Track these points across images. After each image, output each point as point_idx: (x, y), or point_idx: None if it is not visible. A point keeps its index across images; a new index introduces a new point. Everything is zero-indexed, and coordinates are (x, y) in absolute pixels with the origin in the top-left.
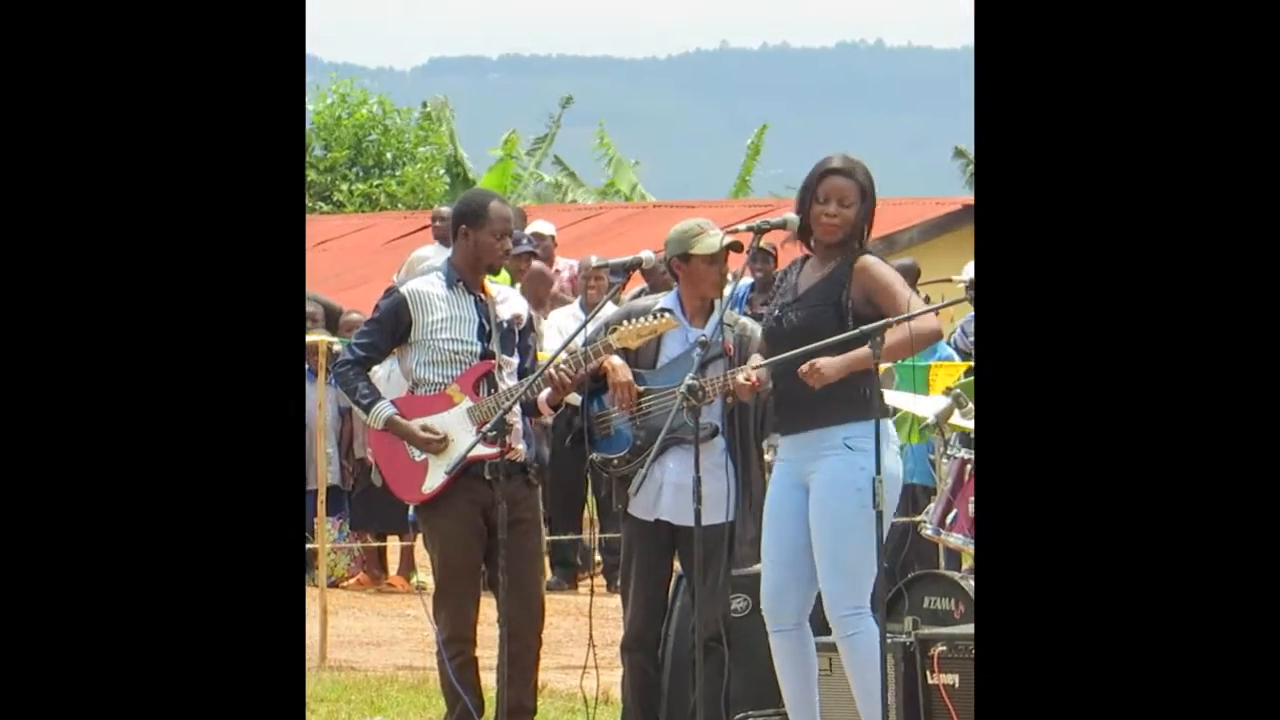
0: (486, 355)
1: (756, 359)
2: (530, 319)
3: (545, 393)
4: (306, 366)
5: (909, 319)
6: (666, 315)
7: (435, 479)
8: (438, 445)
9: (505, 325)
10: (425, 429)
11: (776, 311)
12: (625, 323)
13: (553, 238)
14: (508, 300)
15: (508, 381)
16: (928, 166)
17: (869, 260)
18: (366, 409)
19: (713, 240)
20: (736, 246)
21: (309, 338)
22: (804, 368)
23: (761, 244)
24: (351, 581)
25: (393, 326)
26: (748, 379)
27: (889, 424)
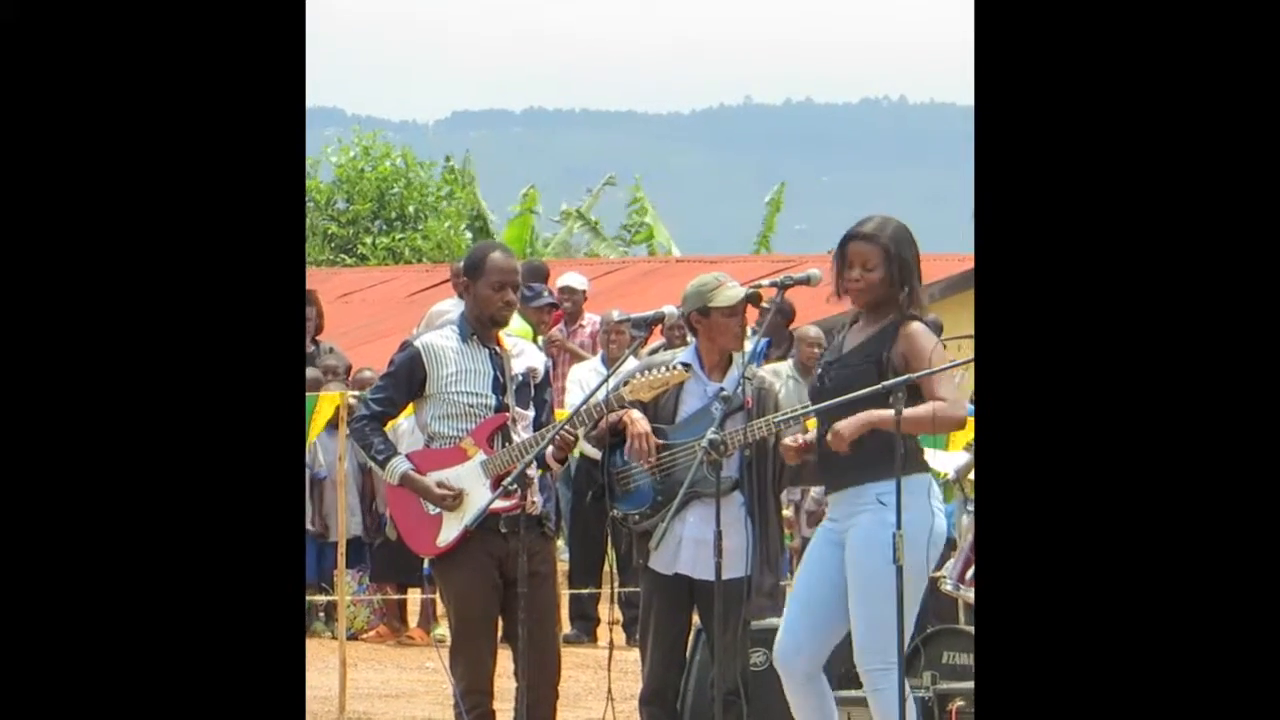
0: (500, 408)
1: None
2: (547, 372)
3: (550, 449)
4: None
5: (930, 373)
6: (679, 368)
7: (450, 532)
8: (452, 502)
9: (520, 378)
10: (440, 485)
11: (819, 370)
12: (638, 376)
13: (583, 292)
14: (524, 353)
15: (522, 434)
16: (949, 222)
17: (916, 328)
18: (382, 464)
19: (732, 292)
20: (755, 298)
21: (328, 391)
22: (829, 435)
23: None
24: (371, 634)
25: (408, 380)
26: (795, 442)
27: (932, 480)
